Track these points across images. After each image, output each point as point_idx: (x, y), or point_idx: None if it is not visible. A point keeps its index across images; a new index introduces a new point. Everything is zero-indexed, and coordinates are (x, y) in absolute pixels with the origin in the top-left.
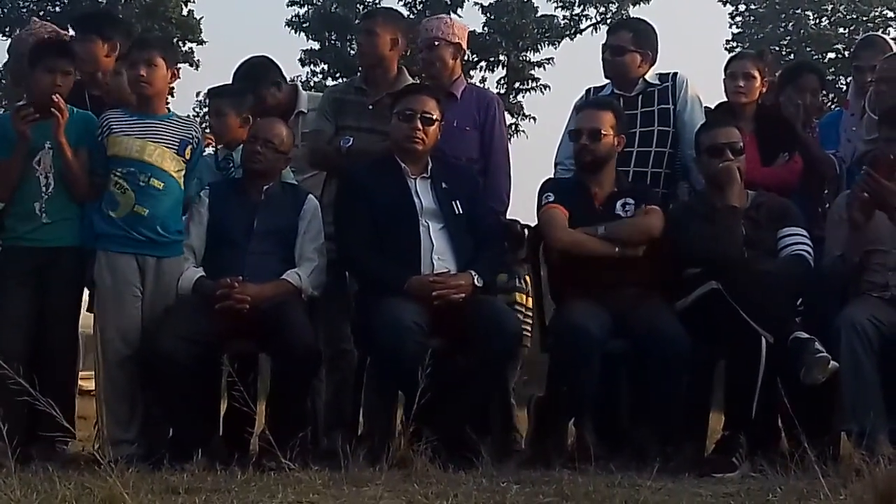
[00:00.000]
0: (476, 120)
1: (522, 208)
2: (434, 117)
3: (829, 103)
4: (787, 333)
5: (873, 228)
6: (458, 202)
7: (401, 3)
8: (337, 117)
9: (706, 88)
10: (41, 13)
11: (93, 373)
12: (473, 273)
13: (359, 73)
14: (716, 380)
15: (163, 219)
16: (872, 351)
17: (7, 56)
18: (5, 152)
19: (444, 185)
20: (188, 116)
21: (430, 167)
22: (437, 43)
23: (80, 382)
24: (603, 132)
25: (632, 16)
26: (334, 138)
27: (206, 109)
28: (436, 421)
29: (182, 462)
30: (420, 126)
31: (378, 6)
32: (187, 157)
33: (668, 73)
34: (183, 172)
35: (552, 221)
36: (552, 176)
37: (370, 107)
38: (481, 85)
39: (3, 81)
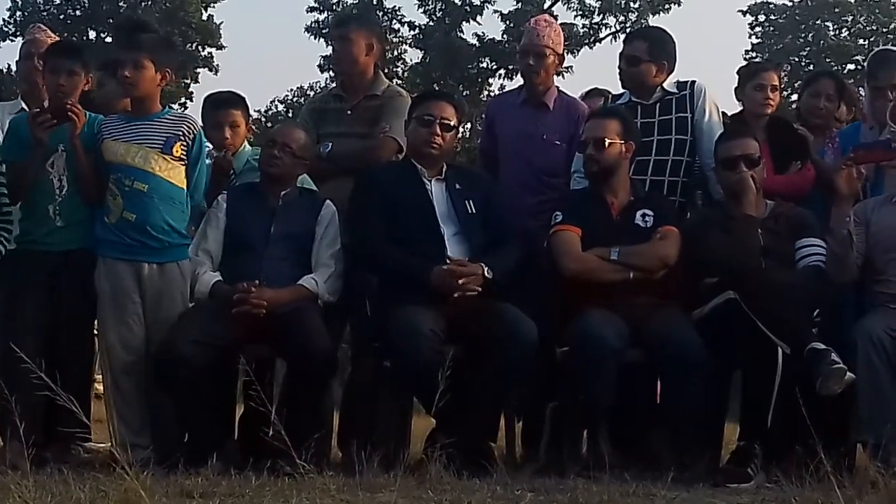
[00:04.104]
0: (566, 133)
1: None
2: (452, 124)
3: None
4: (803, 344)
5: (890, 236)
6: (471, 202)
7: (420, 9)
8: (318, 126)
9: (725, 98)
10: (61, 17)
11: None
12: (483, 265)
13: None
14: (732, 390)
15: (152, 222)
16: (889, 362)
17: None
18: (21, 155)
19: (457, 186)
20: (184, 112)
21: (444, 170)
22: (548, 52)
23: (95, 385)
24: (608, 140)
25: (651, 25)
26: (315, 146)
27: None
28: (451, 427)
29: (197, 466)
30: (438, 132)
31: (366, 12)
32: (176, 154)
33: (686, 82)
34: (176, 171)
35: (561, 247)
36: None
37: (349, 112)
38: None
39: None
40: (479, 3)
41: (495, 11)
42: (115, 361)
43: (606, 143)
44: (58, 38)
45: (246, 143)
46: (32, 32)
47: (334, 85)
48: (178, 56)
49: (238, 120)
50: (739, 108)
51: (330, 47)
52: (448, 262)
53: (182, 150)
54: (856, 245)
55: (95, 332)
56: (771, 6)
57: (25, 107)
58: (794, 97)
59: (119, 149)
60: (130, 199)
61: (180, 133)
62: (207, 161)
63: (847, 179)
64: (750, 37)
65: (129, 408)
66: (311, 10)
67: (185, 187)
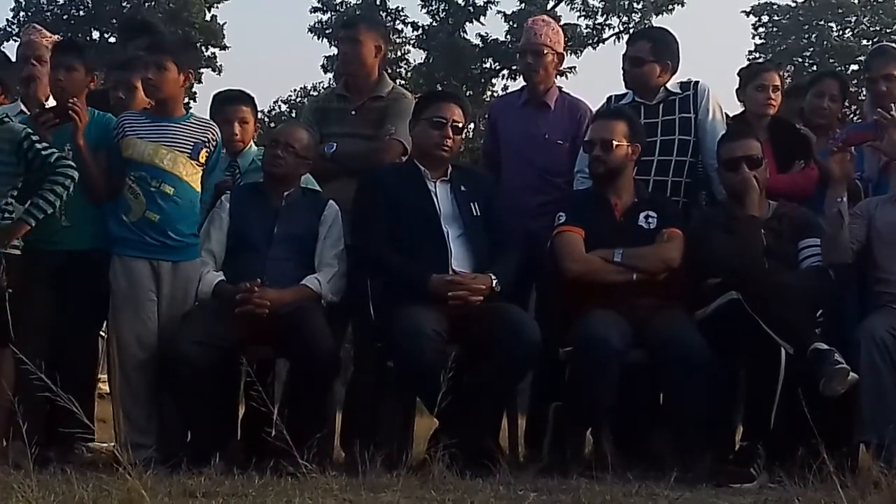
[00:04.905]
0: (568, 132)
1: None
2: (461, 126)
3: (852, 115)
4: (806, 344)
5: (892, 232)
6: (476, 204)
7: (424, 10)
8: (321, 126)
9: (728, 98)
10: (64, 17)
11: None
12: (493, 276)
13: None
14: (735, 390)
15: (174, 224)
16: (892, 363)
17: None
18: None
19: (462, 188)
20: (207, 118)
21: (449, 171)
22: (545, 51)
23: (99, 385)
24: (615, 142)
25: (654, 25)
26: (318, 146)
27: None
28: (454, 427)
29: (200, 465)
30: (450, 134)
31: (363, 13)
32: (202, 160)
33: (690, 82)
34: (197, 176)
35: (564, 248)
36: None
37: (353, 112)
38: (502, 92)
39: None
40: (482, 4)
41: (499, 12)
42: (129, 358)
43: (614, 145)
44: (56, 38)
45: (252, 142)
46: (28, 34)
47: (336, 85)
48: (198, 56)
49: (247, 116)
50: (741, 109)
51: (334, 48)
52: (453, 272)
53: (206, 156)
54: (852, 231)
55: (101, 333)
56: (774, 7)
57: (24, 109)
58: None
59: (146, 148)
60: (154, 200)
61: (206, 140)
62: None
63: (839, 162)
64: (753, 37)
65: (137, 406)
66: (315, 10)
67: (200, 191)
